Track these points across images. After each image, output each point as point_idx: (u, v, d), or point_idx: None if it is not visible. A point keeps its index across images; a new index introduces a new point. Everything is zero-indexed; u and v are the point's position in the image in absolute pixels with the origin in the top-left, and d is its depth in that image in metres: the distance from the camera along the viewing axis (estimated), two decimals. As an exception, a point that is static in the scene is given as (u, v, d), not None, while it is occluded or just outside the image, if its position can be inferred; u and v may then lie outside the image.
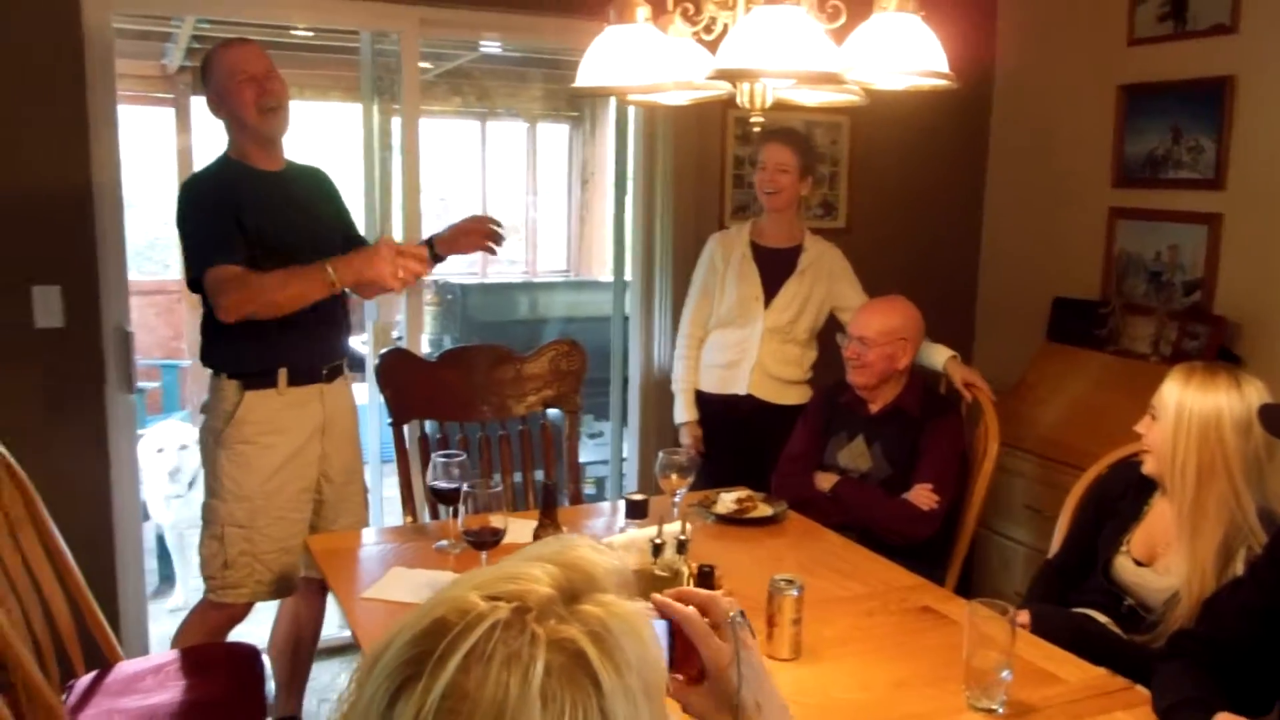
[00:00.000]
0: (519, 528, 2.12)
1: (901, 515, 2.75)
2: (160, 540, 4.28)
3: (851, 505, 2.81)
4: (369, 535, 2.65)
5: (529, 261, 7.48)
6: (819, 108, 2.20)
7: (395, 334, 3.61)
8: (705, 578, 1.68)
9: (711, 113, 3.62)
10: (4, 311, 2.91)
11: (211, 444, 2.60)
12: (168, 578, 4.31)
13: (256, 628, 2.99)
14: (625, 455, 4.03)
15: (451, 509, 2.36)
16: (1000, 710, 1.68)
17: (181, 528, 4.13)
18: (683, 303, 3.64)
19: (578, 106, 7.34)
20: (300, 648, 2.86)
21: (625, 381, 3.94)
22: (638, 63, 1.67)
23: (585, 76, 1.76)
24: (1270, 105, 3.23)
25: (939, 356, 3.09)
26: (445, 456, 2.30)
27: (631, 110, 3.66)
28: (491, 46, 5.90)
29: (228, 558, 2.57)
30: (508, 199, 7.53)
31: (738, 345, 3.27)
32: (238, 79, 2.51)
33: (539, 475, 3.07)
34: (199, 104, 5.88)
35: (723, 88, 1.70)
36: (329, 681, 3.36)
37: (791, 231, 3.32)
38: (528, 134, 7.40)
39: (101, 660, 2.34)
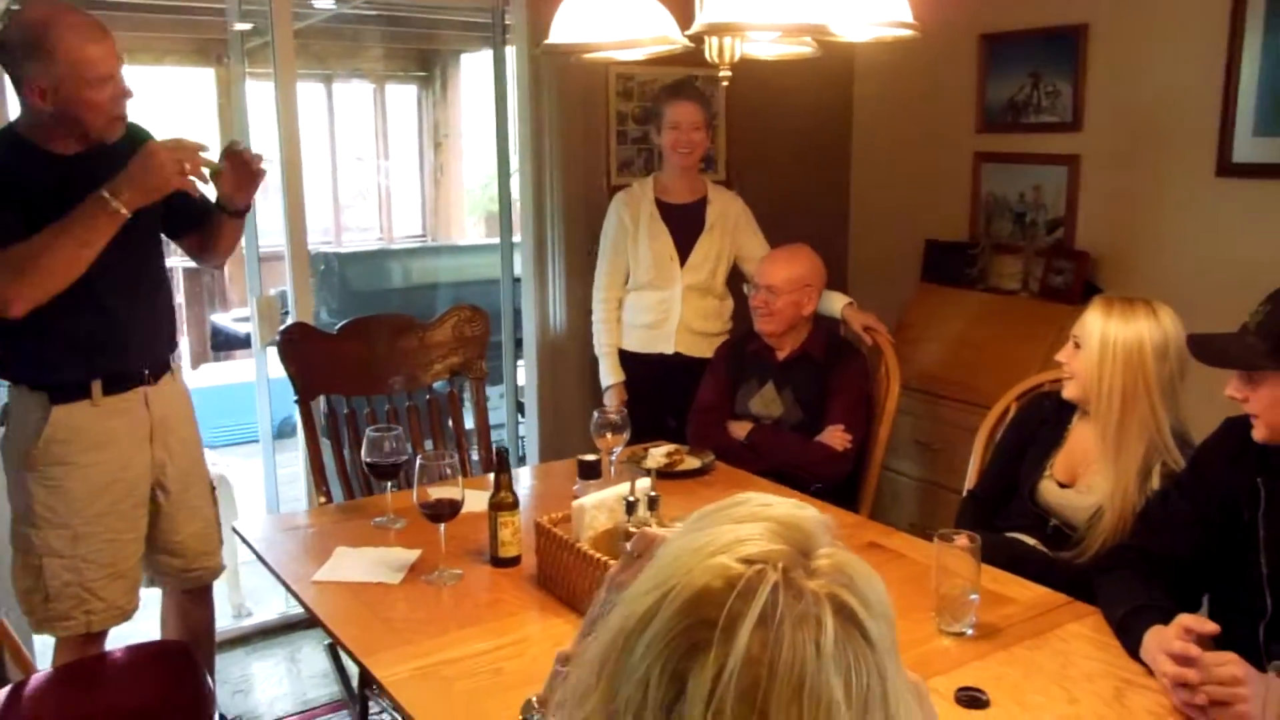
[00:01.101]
0: (471, 497, 2.08)
1: (818, 457, 2.84)
2: None
3: (768, 451, 2.89)
4: (297, 519, 2.54)
5: (384, 228, 7.26)
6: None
7: (283, 309, 3.46)
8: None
9: (594, 69, 3.59)
10: None
11: (15, 465, 2.24)
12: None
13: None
14: (522, 419, 3.99)
15: (389, 484, 2.31)
16: (970, 633, 1.77)
17: None
18: (575, 263, 3.63)
19: (426, 66, 7.13)
20: (200, 645, 2.62)
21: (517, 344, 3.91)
22: (612, 19, 1.64)
23: (559, 33, 1.71)
24: (1121, 51, 3.45)
25: (836, 303, 3.18)
26: (378, 430, 2.24)
27: (512, 68, 3.59)
28: (328, 5, 5.66)
29: (49, 591, 2.23)
30: (358, 164, 7.27)
31: (660, 305, 3.29)
32: (94, 74, 2.07)
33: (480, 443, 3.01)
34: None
35: (678, 43, 1.69)
36: (239, 674, 3.23)
37: (694, 185, 3.35)
38: (374, 96, 7.15)
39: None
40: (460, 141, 7.20)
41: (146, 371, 2.35)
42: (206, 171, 2.23)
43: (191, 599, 2.59)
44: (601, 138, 3.76)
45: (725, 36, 1.57)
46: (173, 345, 2.50)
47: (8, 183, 2.09)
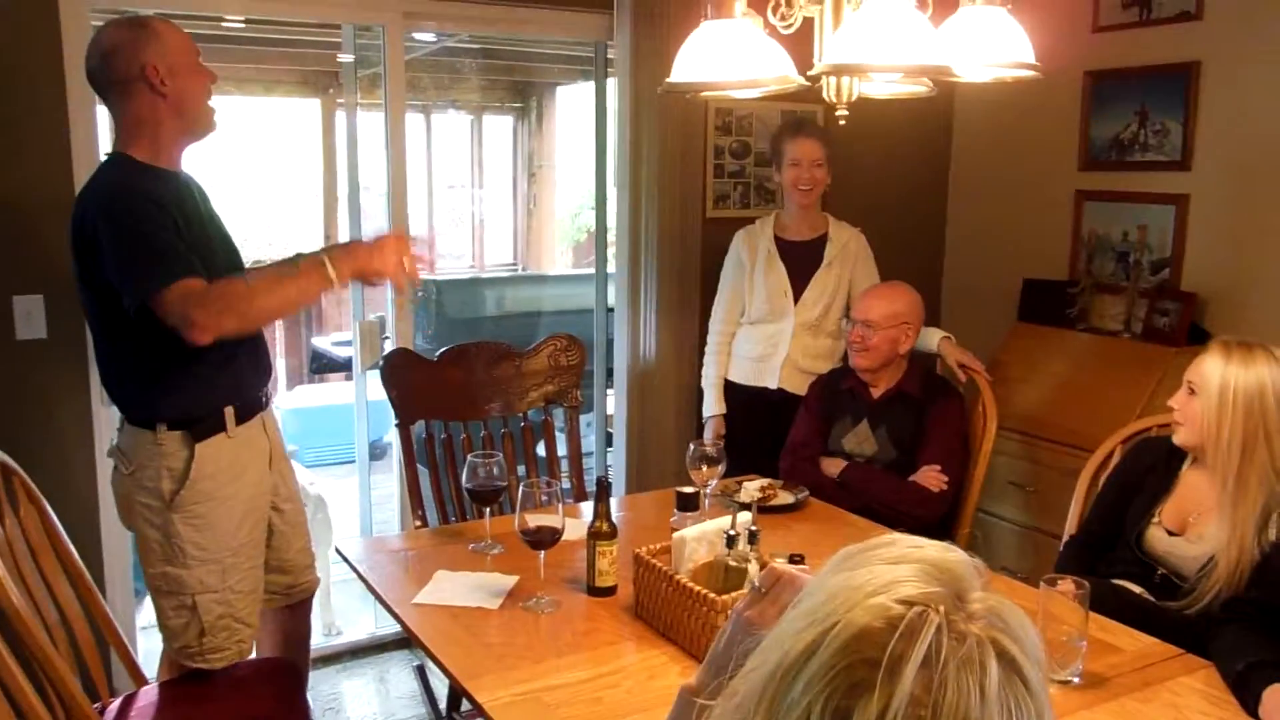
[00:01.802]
0: (570, 526, 2.10)
1: (912, 497, 2.81)
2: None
3: (860, 490, 2.86)
4: (396, 541, 2.59)
5: (476, 256, 7.40)
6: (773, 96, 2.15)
7: (384, 334, 3.54)
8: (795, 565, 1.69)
9: (694, 104, 3.62)
10: (-16, 322, 2.78)
11: (157, 507, 2.20)
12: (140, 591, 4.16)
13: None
14: (610, 448, 4.02)
15: (488, 509, 2.34)
16: (1077, 680, 1.73)
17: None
18: (669, 295, 3.66)
19: (522, 98, 7.27)
20: (297, 660, 2.68)
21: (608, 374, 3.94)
22: (732, 59, 1.67)
23: (681, 72, 1.74)
24: (1234, 89, 3.37)
25: (932, 338, 3.16)
26: (480, 457, 2.28)
27: (615, 102, 3.64)
28: (430, 38, 5.81)
29: (204, 626, 2.24)
30: (453, 192, 7.43)
31: (769, 340, 3.32)
32: (192, 60, 2.17)
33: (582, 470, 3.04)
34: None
35: (798, 82, 1.71)
36: (330, 691, 3.29)
37: (814, 223, 3.36)
38: (472, 126, 7.31)
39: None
40: (553, 172, 7.31)
41: (263, 397, 2.42)
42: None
43: (292, 615, 2.64)
44: (698, 171, 3.78)
45: (847, 77, 1.58)
46: (271, 374, 2.56)
47: (157, 207, 2.09)
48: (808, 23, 1.85)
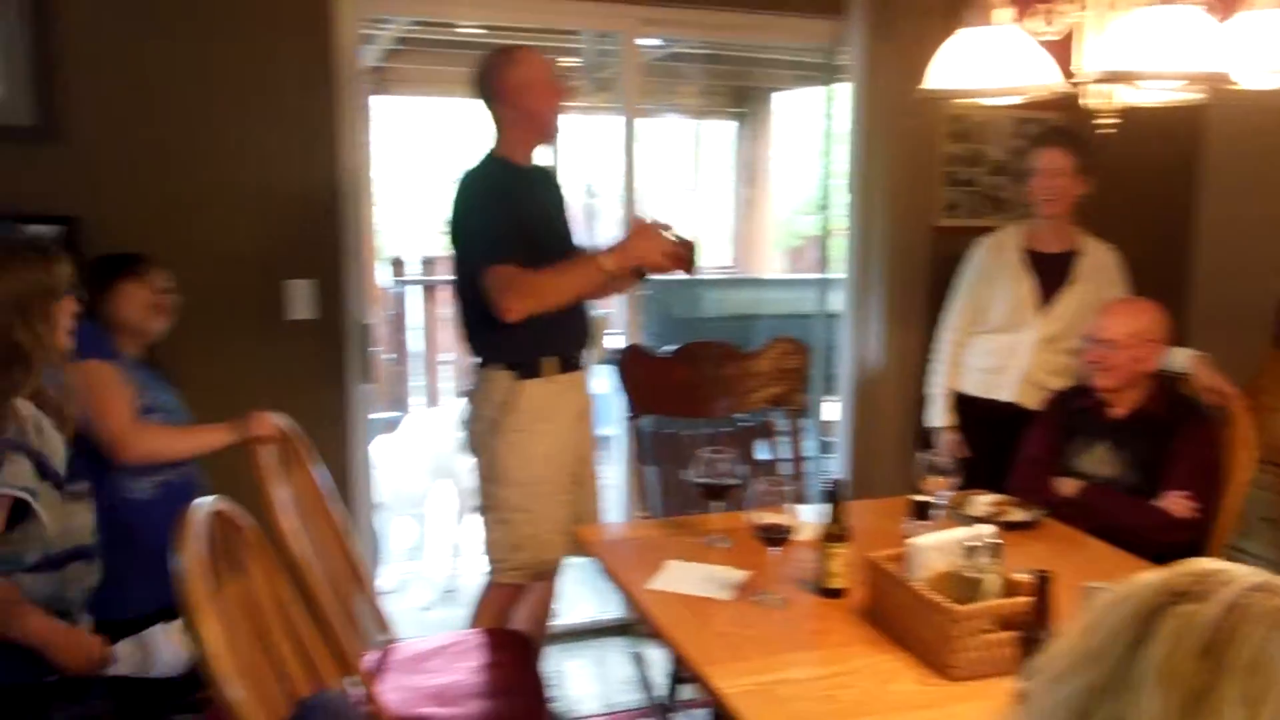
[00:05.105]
0: (800, 526, 2.13)
1: (1155, 522, 2.67)
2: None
3: (1100, 511, 2.73)
4: (627, 528, 2.70)
5: (692, 258, 7.50)
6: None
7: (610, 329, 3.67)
8: (1043, 585, 1.66)
9: (926, 109, 3.56)
10: (262, 303, 3.06)
11: (485, 432, 2.68)
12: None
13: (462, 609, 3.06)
14: (830, 455, 4.01)
15: (717, 504, 2.40)
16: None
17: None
18: (896, 302, 3.61)
19: (743, 103, 7.33)
20: (539, 628, 2.92)
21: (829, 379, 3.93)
22: (992, 64, 1.66)
23: (937, 78, 1.75)
24: None
25: (1181, 357, 2.98)
26: (713, 452, 2.33)
27: (850, 106, 3.63)
28: (653, 43, 5.94)
29: (515, 540, 2.68)
30: (670, 196, 7.57)
31: (1005, 351, 3.24)
32: (549, 79, 2.64)
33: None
34: (377, 103, 6.07)
35: (1060, 89, 1.67)
36: (552, 668, 3.42)
37: (1065, 236, 3.26)
38: (692, 131, 7.43)
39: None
40: (770, 178, 7.33)
41: (580, 360, 2.79)
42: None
43: (548, 582, 2.87)
44: (929, 179, 3.72)
45: (1120, 84, 1.54)
46: (590, 342, 2.89)
47: (504, 197, 2.57)
48: (1069, 29, 1.80)
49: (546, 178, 2.84)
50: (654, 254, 2.54)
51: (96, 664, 1.91)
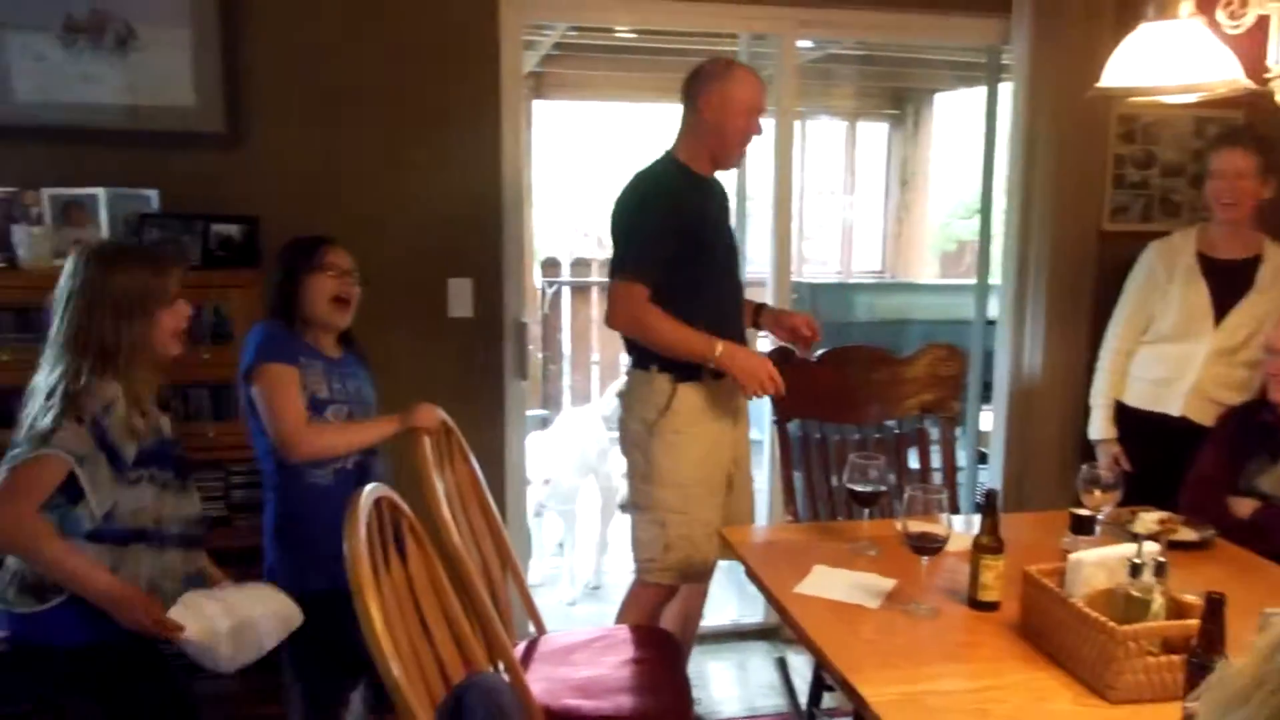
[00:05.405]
0: (953, 537, 2.08)
1: (1341, 549, 2.49)
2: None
3: (1278, 534, 2.58)
4: (773, 531, 2.69)
5: (843, 261, 7.42)
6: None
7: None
8: (1215, 608, 1.57)
9: (1095, 109, 3.42)
10: (425, 301, 3.18)
11: (642, 433, 2.72)
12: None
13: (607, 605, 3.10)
14: (982, 465, 3.90)
15: (866, 510, 2.37)
16: None
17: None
18: (1057, 309, 3.49)
19: (899, 105, 7.19)
20: (687, 628, 2.94)
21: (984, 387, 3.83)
22: (1173, 62, 1.59)
23: (1113, 76, 1.69)
24: None
25: None
26: (863, 458, 2.30)
27: (1013, 106, 3.53)
28: (808, 44, 5.89)
29: (668, 540, 2.70)
30: (823, 198, 7.50)
31: (1175, 362, 3.09)
32: (751, 109, 2.64)
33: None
34: (538, 107, 6.23)
35: (1247, 87, 1.59)
36: (694, 670, 3.44)
37: (1246, 241, 3.08)
38: (846, 133, 7.34)
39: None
40: (927, 181, 7.17)
41: None
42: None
43: (697, 586, 2.90)
44: (1097, 181, 3.57)
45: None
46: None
47: (667, 205, 2.60)
48: (1260, 22, 1.71)
49: (717, 188, 2.83)
50: (752, 385, 2.58)
51: (155, 627, 2.00)
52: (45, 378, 2.01)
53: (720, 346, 2.56)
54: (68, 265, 2.08)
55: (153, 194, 2.85)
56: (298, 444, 2.28)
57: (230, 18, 2.92)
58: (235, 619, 2.09)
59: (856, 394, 3.00)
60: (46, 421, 1.93)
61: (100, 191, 2.77)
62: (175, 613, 2.02)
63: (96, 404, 1.96)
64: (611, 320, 2.64)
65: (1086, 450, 3.29)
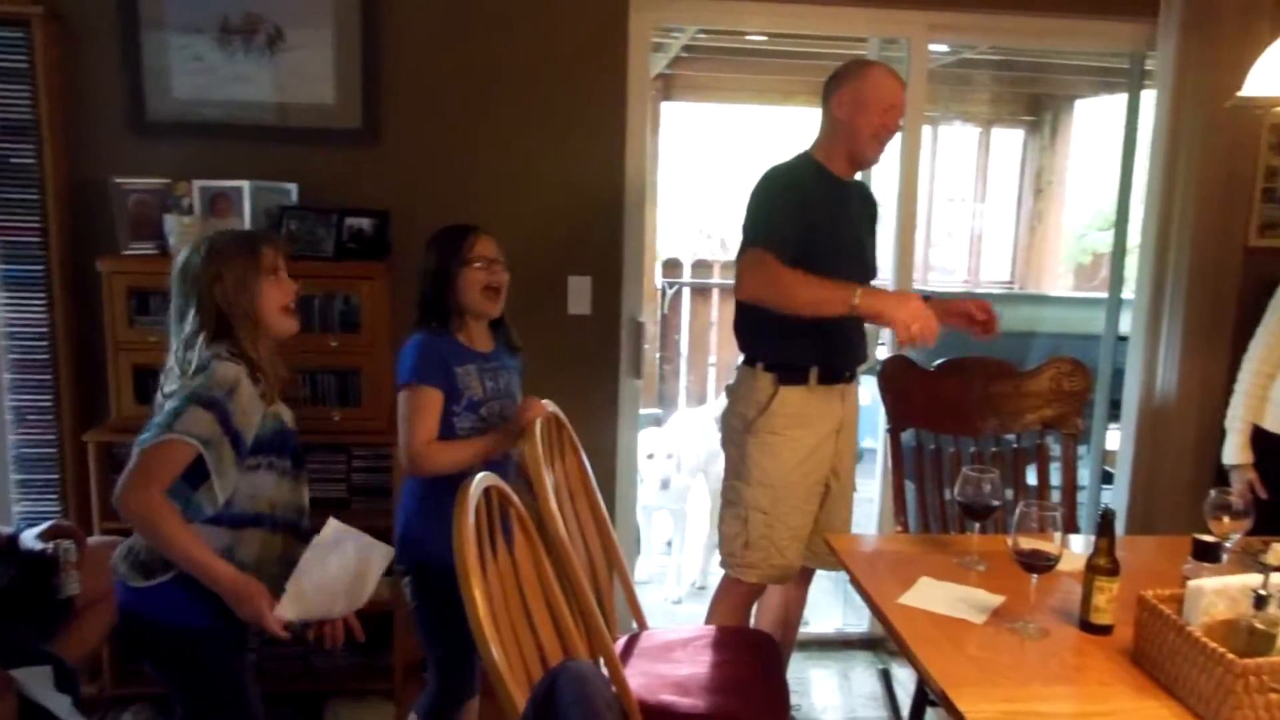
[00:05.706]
0: (1067, 556, 2.02)
1: None
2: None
3: None
4: (880, 541, 2.66)
5: (971, 270, 7.24)
6: None
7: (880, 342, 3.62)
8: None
9: (1245, 118, 3.26)
10: (546, 298, 3.25)
11: (740, 429, 2.72)
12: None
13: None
14: (1107, 486, 3.76)
15: (977, 525, 2.32)
16: None
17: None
18: (1195, 327, 3.34)
19: (1035, 111, 6.98)
20: (787, 633, 2.94)
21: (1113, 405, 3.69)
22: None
23: (1258, 84, 1.62)
24: None
25: None
26: (976, 471, 2.25)
27: (1156, 114, 3.39)
28: (941, 49, 5.76)
29: (749, 539, 2.70)
30: (953, 205, 7.33)
31: None
32: (885, 106, 2.61)
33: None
34: (666, 109, 6.27)
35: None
36: (796, 676, 3.43)
37: None
38: (979, 139, 7.16)
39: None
40: (1062, 190, 6.93)
41: (847, 373, 2.78)
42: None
43: (797, 589, 2.90)
44: (1245, 195, 3.40)
45: None
46: (863, 357, 2.87)
47: (795, 194, 2.59)
48: None
49: (862, 194, 2.84)
50: (901, 324, 2.41)
51: (258, 617, 2.02)
52: (171, 358, 2.09)
53: (860, 290, 2.44)
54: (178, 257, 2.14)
55: (292, 187, 3.00)
56: (420, 464, 2.33)
57: (370, 20, 3.05)
58: (338, 586, 2.12)
59: (974, 406, 2.94)
60: (173, 405, 2.00)
61: (245, 184, 2.92)
62: (283, 607, 2.04)
63: (220, 389, 2.01)
64: (741, 289, 2.56)
65: (1219, 475, 3.14)
